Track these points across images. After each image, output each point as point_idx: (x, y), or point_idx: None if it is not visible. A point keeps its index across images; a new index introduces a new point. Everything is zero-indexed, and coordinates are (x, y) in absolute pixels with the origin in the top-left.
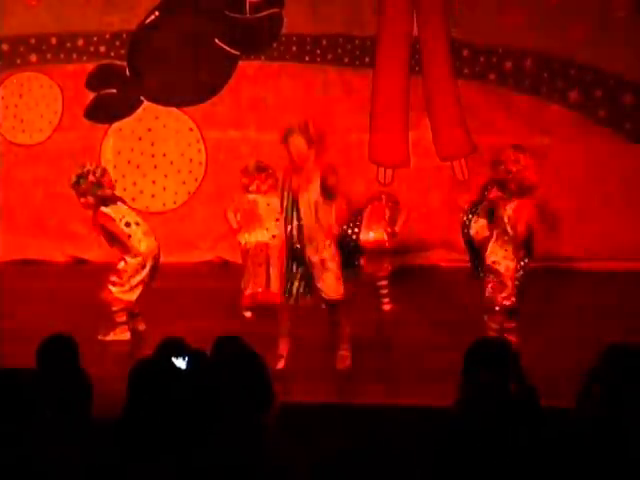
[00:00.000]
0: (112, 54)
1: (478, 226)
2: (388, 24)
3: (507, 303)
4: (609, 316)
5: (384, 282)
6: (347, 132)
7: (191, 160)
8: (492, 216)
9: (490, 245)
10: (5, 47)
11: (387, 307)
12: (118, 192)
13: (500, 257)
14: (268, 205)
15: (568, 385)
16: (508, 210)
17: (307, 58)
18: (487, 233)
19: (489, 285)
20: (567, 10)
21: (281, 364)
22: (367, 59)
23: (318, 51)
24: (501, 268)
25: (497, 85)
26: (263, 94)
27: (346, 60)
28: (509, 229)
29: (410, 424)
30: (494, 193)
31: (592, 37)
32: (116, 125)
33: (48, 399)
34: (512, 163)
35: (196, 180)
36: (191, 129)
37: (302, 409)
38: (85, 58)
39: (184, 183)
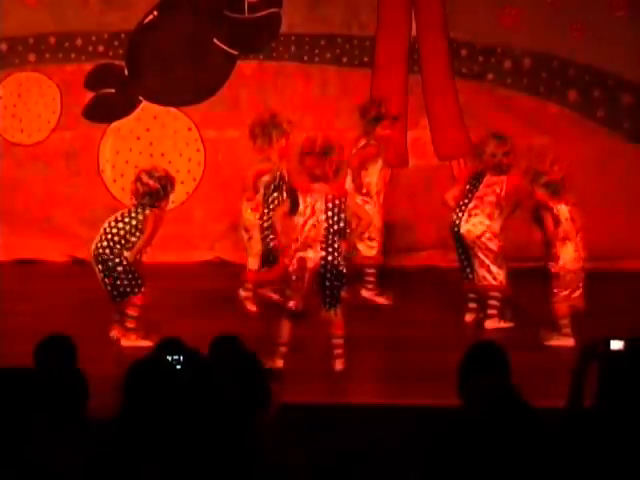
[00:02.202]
0: (110, 54)
1: (470, 225)
2: (387, 24)
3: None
4: (613, 316)
5: (371, 270)
6: (346, 131)
7: (189, 160)
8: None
9: (559, 249)
10: (3, 47)
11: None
12: (117, 191)
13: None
14: None
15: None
16: (564, 210)
17: (306, 58)
18: (479, 232)
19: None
20: (566, 10)
21: (280, 363)
22: (366, 59)
23: (317, 51)
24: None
25: (496, 85)
26: (262, 94)
27: (345, 60)
28: (569, 227)
29: (409, 424)
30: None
31: (591, 37)
32: (115, 125)
33: (45, 398)
34: (560, 162)
35: (194, 180)
36: (189, 129)
37: (302, 409)
38: (84, 58)
39: (182, 183)
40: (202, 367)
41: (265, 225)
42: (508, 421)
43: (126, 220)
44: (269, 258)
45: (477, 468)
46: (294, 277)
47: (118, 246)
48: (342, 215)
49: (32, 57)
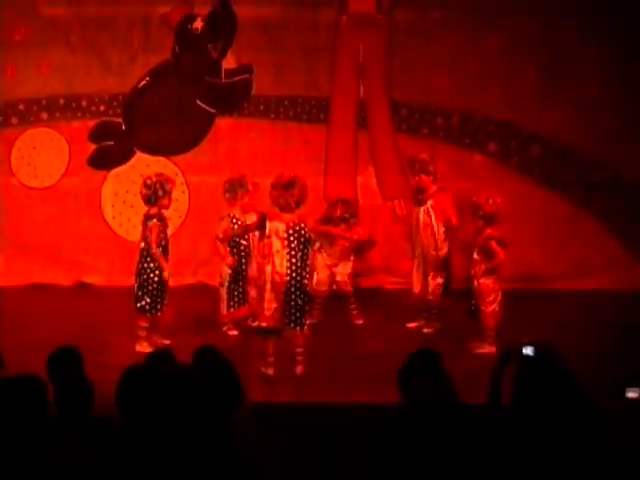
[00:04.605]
0: (110, 112)
1: None
2: (339, 88)
3: None
4: (526, 325)
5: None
6: (306, 176)
7: (176, 200)
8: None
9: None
10: (21, 107)
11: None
12: (115, 226)
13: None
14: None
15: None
16: (492, 241)
17: (272, 115)
18: None
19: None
20: (486, 75)
21: (271, 371)
22: (322, 116)
23: (281, 110)
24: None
25: (429, 138)
26: (236, 145)
27: (305, 117)
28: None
29: (358, 420)
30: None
31: (507, 98)
32: (114, 171)
33: (56, 401)
34: (494, 197)
35: (180, 217)
36: (176, 174)
37: (269, 408)
38: (88, 116)
39: (170, 219)
40: (187, 373)
41: (232, 273)
42: (443, 415)
43: (142, 235)
44: (234, 300)
45: (419, 456)
46: (262, 297)
47: (143, 260)
48: (302, 240)
49: (45, 115)
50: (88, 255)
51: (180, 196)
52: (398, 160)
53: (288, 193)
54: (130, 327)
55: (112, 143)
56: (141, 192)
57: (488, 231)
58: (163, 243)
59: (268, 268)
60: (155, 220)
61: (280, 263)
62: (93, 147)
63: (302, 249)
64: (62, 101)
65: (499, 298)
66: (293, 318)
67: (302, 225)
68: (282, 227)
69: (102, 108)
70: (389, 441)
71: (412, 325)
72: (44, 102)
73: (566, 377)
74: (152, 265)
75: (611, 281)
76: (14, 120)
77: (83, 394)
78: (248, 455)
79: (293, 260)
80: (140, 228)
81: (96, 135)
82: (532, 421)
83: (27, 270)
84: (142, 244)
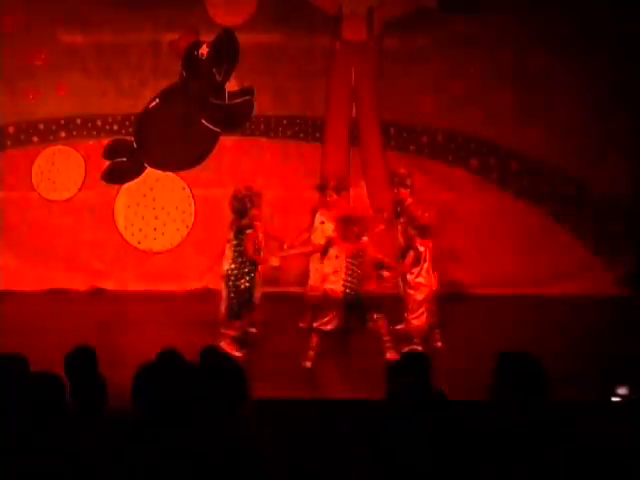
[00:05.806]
0: (123, 131)
1: None
2: (333, 108)
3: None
4: (500, 329)
5: None
6: (302, 190)
7: (184, 212)
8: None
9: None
10: (41, 126)
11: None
12: (128, 236)
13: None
14: None
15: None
16: (424, 251)
17: (272, 134)
18: None
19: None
20: (468, 98)
21: (309, 364)
22: (317, 135)
23: (280, 129)
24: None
25: (416, 154)
26: (239, 161)
27: (302, 135)
28: (427, 265)
29: (351, 415)
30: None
31: (487, 119)
32: (126, 186)
33: (72, 396)
34: (430, 210)
35: (187, 227)
36: (183, 188)
37: (269, 403)
38: (102, 134)
39: (178, 230)
40: (194, 371)
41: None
42: (430, 410)
43: (234, 243)
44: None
45: (407, 448)
46: (328, 305)
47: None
48: (361, 261)
49: (63, 134)
50: (102, 262)
51: (187, 208)
52: (387, 175)
53: (349, 228)
54: (140, 328)
55: (124, 160)
56: (231, 205)
57: (418, 242)
58: (257, 248)
59: (326, 285)
60: (250, 230)
61: (336, 280)
62: (107, 163)
63: (360, 270)
64: (79, 121)
65: (424, 315)
66: (361, 318)
67: (362, 252)
68: (343, 253)
69: (115, 127)
70: (379, 435)
71: (399, 327)
72: (62, 122)
73: (540, 379)
74: (240, 272)
75: (582, 286)
76: (35, 139)
77: (97, 390)
78: (251, 448)
79: (349, 279)
80: (149, 237)
81: (110, 152)
82: (511, 416)
83: (46, 276)
84: (233, 253)
